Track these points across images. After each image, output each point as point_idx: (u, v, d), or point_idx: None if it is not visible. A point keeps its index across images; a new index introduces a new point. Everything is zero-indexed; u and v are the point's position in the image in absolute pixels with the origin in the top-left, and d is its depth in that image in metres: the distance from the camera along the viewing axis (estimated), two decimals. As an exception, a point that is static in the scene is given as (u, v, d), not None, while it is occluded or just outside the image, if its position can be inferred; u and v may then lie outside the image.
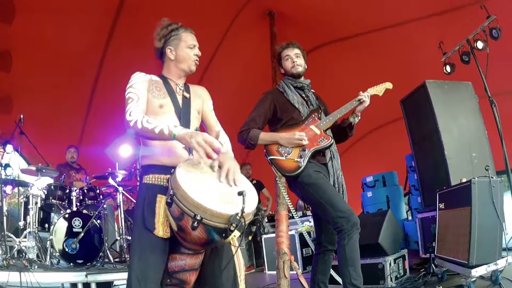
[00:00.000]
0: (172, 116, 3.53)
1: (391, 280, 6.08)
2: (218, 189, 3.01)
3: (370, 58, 10.70)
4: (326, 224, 4.68)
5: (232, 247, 3.44)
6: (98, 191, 8.97)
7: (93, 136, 11.97)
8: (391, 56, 10.42)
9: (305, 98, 4.96)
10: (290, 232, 7.34)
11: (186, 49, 3.70)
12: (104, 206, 8.69)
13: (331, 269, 4.95)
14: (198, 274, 3.44)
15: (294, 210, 5.62)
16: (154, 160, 3.46)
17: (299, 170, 4.49)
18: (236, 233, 2.75)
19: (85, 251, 7.65)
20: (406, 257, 6.67)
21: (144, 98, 3.47)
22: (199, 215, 2.77)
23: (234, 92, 11.16)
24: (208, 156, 3.00)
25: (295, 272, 6.08)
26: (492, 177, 5.04)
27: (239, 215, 2.76)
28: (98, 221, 8.15)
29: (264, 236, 9.97)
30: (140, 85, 3.51)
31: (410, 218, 9.96)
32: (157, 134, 3.13)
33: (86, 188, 8.95)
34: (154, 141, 3.42)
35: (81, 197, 8.70)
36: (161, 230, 3.20)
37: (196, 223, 2.77)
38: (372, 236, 6.26)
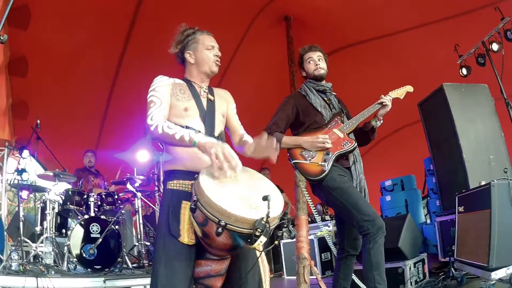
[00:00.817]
0: (197, 119, 3.52)
1: (411, 284, 6.07)
2: (242, 194, 2.98)
3: (386, 62, 10.70)
4: (349, 228, 4.70)
5: (257, 252, 3.35)
6: (116, 197, 8.99)
7: (110, 141, 12.02)
8: (407, 60, 10.43)
9: (328, 101, 4.97)
10: (309, 237, 7.34)
11: (205, 51, 3.70)
12: (122, 211, 8.70)
13: (352, 274, 4.96)
14: (224, 280, 3.42)
15: (316, 213, 5.60)
16: (177, 165, 3.45)
17: (324, 174, 4.49)
18: (263, 239, 2.74)
19: (103, 257, 7.69)
20: (426, 261, 6.66)
21: (166, 103, 3.46)
22: (223, 221, 2.75)
23: (252, 97, 11.14)
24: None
25: (314, 277, 6.08)
26: (511, 180, 5.04)
27: (264, 219, 2.73)
28: (117, 226, 8.18)
29: (283, 241, 9.94)
30: (163, 89, 3.49)
31: (428, 221, 9.91)
32: (177, 140, 3.14)
33: (104, 193, 8.99)
34: (178, 146, 3.39)
35: (99, 203, 8.72)
36: (186, 236, 3.17)
37: (220, 228, 2.76)
38: (392, 240, 6.22)
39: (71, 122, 11.14)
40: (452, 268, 6.11)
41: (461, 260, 5.68)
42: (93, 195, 8.59)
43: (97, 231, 7.84)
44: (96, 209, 8.55)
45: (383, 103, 4.81)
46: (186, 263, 3.20)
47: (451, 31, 9.39)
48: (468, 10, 8.96)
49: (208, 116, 3.57)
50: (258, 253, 3.34)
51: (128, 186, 8.91)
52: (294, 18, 10.29)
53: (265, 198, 2.80)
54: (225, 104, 3.86)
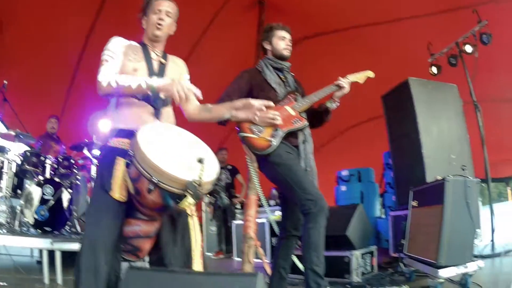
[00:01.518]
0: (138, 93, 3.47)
1: (357, 275, 5.95)
2: (178, 154, 3.01)
3: (358, 52, 10.59)
4: (293, 208, 4.63)
5: (189, 220, 3.43)
6: (72, 161, 8.83)
7: (75, 108, 11.82)
8: (379, 53, 10.34)
9: (283, 79, 4.88)
10: (260, 220, 7.25)
11: (151, 15, 3.69)
12: (78, 177, 8.56)
13: (293, 257, 4.91)
14: (153, 244, 3.41)
15: (263, 196, 5.51)
16: (121, 124, 3.44)
17: (270, 149, 4.40)
18: (191, 201, 2.77)
19: (54, 219, 7.63)
20: (375, 253, 6.55)
21: (118, 61, 3.47)
22: (155, 178, 2.77)
23: (218, 76, 11.02)
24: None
25: (261, 261, 6.00)
26: (468, 177, 4.94)
27: (196, 182, 2.77)
28: (70, 190, 8.10)
29: (235, 222, 9.86)
30: (116, 49, 3.52)
31: (384, 216, 9.90)
32: (134, 89, 3.24)
33: (61, 157, 8.79)
34: (122, 106, 3.44)
35: (55, 166, 8.56)
36: (117, 192, 3.17)
37: (152, 186, 2.79)
38: (340, 228, 6.13)
39: (38, 86, 10.92)
40: (401, 264, 6.04)
41: (410, 256, 5.59)
42: (50, 158, 8.48)
43: (50, 193, 7.74)
44: (52, 172, 8.45)
45: (340, 85, 4.74)
46: (114, 219, 3.20)
47: (427, 28, 9.35)
48: (446, 9, 8.89)
49: (157, 78, 3.49)
50: (191, 221, 3.42)
51: (85, 151, 8.74)
52: (267, 2, 10.19)
53: (200, 160, 2.88)
54: (178, 71, 3.85)
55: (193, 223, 3.47)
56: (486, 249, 6.90)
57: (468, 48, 8.25)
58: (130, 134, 3.24)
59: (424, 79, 7.94)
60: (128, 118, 3.42)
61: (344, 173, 10.60)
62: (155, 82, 3.28)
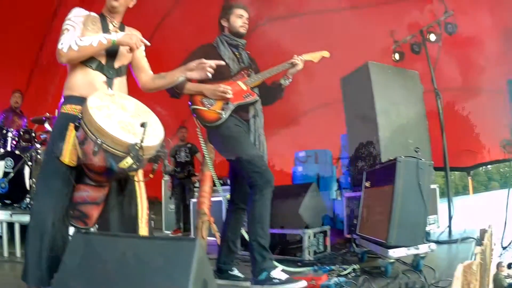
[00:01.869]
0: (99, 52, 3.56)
1: (309, 253, 5.99)
2: (124, 119, 3.09)
3: (321, 37, 10.59)
4: (241, 181, 4.68)
5: (136, 187, 3.54)
6: (34, 135, 8.77)
7: (41, 82, 11.73)
8: (344, 38, 10.34)
9: (238, 55, 4.94)
10: (217, 198, 7.25)
11: None
12: (39, 150, 8.49)
13: (242, 230, 5.04)
14: (101, 211, 3.49)
15: (214, 172, 5.51)
16: (74, 92, 3.49)
17: (219, 122, 4.48)
18: (129, 160, 2.88)
19: (14, 192, 7.65)
20: (328, 233, 6.57)
21: (79, 30, 3.49)
22: (100, 140, 2.88)
23: (183, 54, 11.02)
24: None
25: (215, 238, 6.00)
26: (420, 159, 4.98)
27: (138, 145, 2.89)
28: (30, 164, 8.05)
29: (193, 200, 9.83)
30: (77, 19, 3.54)
31: (340, 198, 9.95)
32: (96, 47, 3.36)
33: (23, 130, 8.72)
34: (76, 75, 3.50)
35: (16, 139, 8.53)
36: (67, 157, 3.21)
37: (96, 147, 2.90)
38: (293, 206, 6.15)
39: (2, 60, 10.73)
40: (354, 244, 6.08)
41: (362, 236, 5.63)
42: (12, 131, 8.46)
43: (10, 165, 7.75)
44: (13, 145, 8.43)
45: (294, 63, 4.80)
46: (63, 183, 3.27)
47: (392, 15, 9.39)
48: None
49: (111, 47, 3.57)
50: (138, 188, 3.55)
51: (46, 125, 8.65)
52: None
53: (142, 125, 3.00)
54: None
55: (140, 190, 3.58)
56: (443, 235, 6.98)
57: (432, 37, 8.27)
58: (82, 101, 3.26)
59: (384, 64, 7.97)
60: (81, 86, 3.47)
61: (301, 154, 10.64)
62: (114, 36, 3.41)
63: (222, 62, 4.36)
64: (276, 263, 4.52)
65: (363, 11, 9.64)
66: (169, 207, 11.59)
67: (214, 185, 5.83)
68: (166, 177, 10.93)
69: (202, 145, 4.91)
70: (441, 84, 7.92)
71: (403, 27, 9.10)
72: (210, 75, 3.97)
